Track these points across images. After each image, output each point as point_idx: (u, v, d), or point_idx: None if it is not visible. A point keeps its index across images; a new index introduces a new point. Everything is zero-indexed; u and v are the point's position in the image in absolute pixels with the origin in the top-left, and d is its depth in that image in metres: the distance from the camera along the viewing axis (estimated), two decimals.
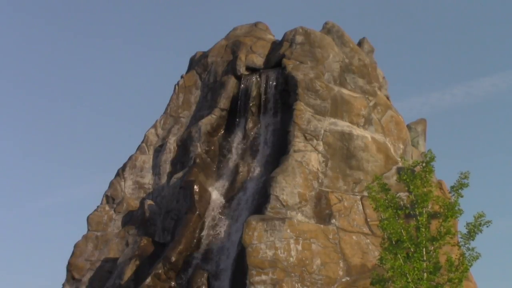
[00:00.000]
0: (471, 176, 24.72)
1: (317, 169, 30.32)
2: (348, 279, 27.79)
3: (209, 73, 36.85)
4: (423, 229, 23.71)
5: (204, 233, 30.70)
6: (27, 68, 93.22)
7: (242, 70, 35.35)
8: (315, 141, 30.94)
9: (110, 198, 35.34)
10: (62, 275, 34.11)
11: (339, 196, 29.89)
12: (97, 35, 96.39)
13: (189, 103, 36.88)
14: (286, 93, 33.30)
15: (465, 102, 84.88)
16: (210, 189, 32.21)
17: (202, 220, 30.86)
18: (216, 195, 32.12)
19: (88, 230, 34.77)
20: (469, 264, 23.32)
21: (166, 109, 37.25)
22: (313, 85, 32.35)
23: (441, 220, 24.16)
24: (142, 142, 36.59)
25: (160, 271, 28.96)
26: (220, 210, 31.45)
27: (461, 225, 24.93)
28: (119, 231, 33.78)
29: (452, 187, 24.77)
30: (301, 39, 34.77)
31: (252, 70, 35.42)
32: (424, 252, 23.29)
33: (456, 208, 24.32)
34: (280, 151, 31.64)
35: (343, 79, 33.81)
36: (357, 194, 30.29)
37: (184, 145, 34.59)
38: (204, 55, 37.95)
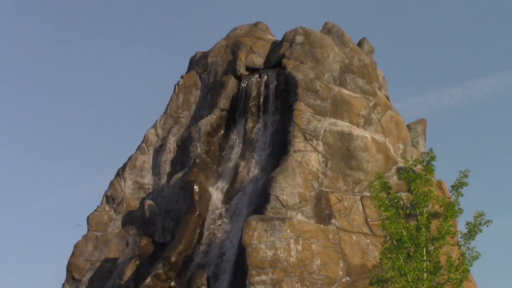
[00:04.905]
0: (470, 175, 24.74)
1: (317, 169, 30.32)
2: (348, 279, 27.79)
3: (209, 73, 36.86)
4: (424, 229, 23.71)
5: (204, 233, 30.69)
6: (27, 68, 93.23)
7: (242, 70, 35.34)
8: (315, 141, 30.94)
9: (110, 198, 35.34)
10: (62, 275, 34.12)
11: (339, 196, 29.90)
12: (97, 35, 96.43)
13: (189, 103, 36.88)
14: (286, 93, 33.30)
15: (463, 102, 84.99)
16: (210, 189, 32.21)
17: (202, 220, 30.86)
18: (216, 195, 32.12)
19: (88, 230, 34.77)
20: (469, 264, 23.33)
21: (166, 109, 37.25)
22: (313, 85, 32.35)
23: (441, 220, 24.16)
24: (142, 142, 36.59)
25: (160, 271, 28.95)
26: (220, 210, 31.45)
27: (461, 225, 24.94)
28: (119, 231, 33.78)
29: (452, 186, 24.77)
30: (301, 39, 34.77)
31: (252, 70, 35.41)
32: (425, 252, 23.29)
33: (456, 208, 24.32)
34: (280, 151, 31.64)
35: (343, 79, 33.81)
36: (357, 194, 30.30)
37: (184, 145, 34.58)
38: (204, 55, 37.95)
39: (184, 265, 29.58)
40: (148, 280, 28.72)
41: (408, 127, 35.15)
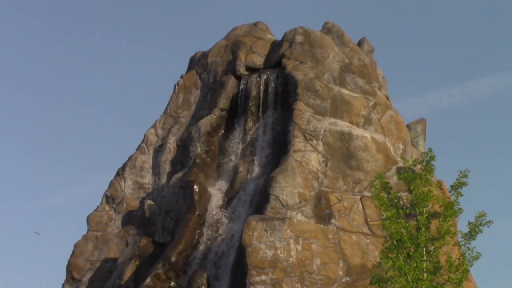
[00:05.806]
0: (470, 175, 24.76)
1: (317, 169, 30.31)
2: (348, 279, 27.79)
3: (209, 73, 36.84)
4: (424, 229, 23.71)
5: (204, 233, 30.70)
6: (27, 68, 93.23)
7: (242, 70, 35.34)
8: (314, 141, 30.94)
9: (110, 198, 35.33)
10: (62, 275, 34.12)
11: (339, 196, 29.89)
12: (97, 35, 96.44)
13: (189, 103, 36.87)
14: (286, 93, 33.30)
15: (463, 102, 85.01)
16: (210, 189, 32.21)
17: (202, 220, 30.86)
18: (216, 195, 32.12)
19: (88, 230, 34.76)
20: (469, 264, 23.32)
21: (166, 109, 37.24)
22: (313, 85, 32.35)
23: (441, 220, 24.16)
24: (142, 142, 36.57)
25: (160, 271, 28.95)
26: (220, 210, 31.45)
27: (462, 225, 24.96)
28: (119, 231, 33.77)
29: (452, 186, 24.78)
30: (301, 39, 34.76)
31: (252, 70, 35.41)
32: (424, 252, 23.29)
33: (456, 208, 24.33)
34: (280, 151, 31.64)
35: (343, 79, 33.81)
36: (357, 194, 30.29)
37: (184, 145, 34.58)
38: (204, 55, 37.93)
39: (184, 265, 29.58)
40: (148, 280, 28.72)
41: (408, 127, 35.16)
